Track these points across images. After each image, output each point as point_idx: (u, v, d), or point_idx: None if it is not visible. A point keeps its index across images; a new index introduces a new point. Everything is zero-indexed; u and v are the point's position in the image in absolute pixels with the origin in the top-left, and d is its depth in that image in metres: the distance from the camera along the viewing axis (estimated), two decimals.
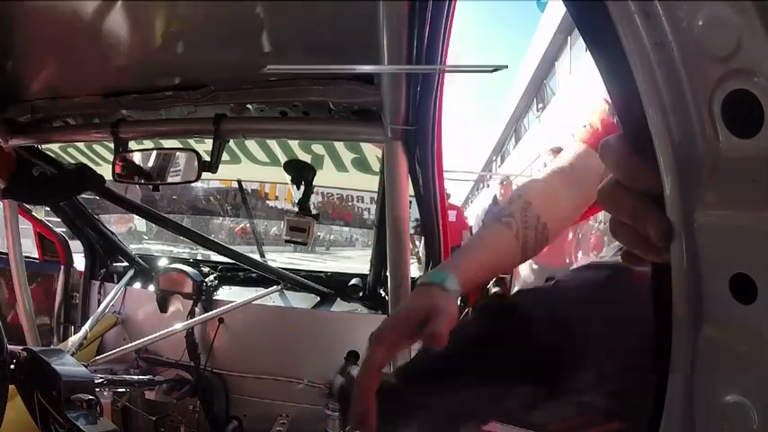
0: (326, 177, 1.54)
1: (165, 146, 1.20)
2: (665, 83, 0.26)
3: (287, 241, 1.10)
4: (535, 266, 2.11)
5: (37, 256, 1.76)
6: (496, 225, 0.59)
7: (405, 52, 0.66)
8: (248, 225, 2.07)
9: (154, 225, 1.63)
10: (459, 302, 1.27)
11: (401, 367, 0.52)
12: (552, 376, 0.45)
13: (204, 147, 1.02)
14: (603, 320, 0.46)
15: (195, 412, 1.44)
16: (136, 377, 1.39)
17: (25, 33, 0.85)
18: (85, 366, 0.78)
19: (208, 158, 0.98)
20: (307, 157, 1.47)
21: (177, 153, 1.05)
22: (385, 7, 0.59)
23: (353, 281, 1.48)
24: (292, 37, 0.81)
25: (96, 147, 1.69)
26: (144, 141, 1.21)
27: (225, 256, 1.45)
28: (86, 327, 1.45)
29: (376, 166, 1.42)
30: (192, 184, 1.21)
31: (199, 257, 1.77)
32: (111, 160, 1.06)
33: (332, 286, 1.50)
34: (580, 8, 0.30)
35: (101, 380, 1.11)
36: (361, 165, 1.46)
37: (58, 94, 1.07)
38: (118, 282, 1.63)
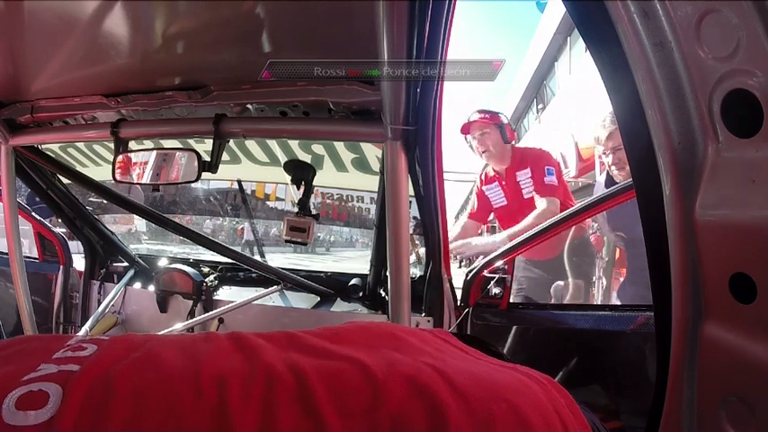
0: (326, 177, 1.54)
1: (165, 146, 1.20)
2: (664, 83, 0.26)
3: (287, 241, 1.10)
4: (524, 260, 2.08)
5: (37, 256, 1.76)
6: None
7: (405, 52, 0.66)
8: (248, 225, 2.07)
9: (154, 225, 1.63)
10: (459, 302, 1.27)
11: None
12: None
13: (204, 147, 1.02)
14: None
15: None
16: None
17: (26, 33, 0.85)
18: None
19: (208, 158, 0.98)
20: (307, 157, 1.47)
21: (177, 153, 1.05)
22: (385, 7, 0.59)
23: (353, 281, 1.48)
24: (292, 37, 0.81)
25: (96, 147, 1.69)
26: (144, 141, 1.21)
27: (225, 256, 1.45)
28: (86, 327, 1.45)
29: (376, 166, 1.42)
30: (192, 185, 1.21)
31: (199, 257, 1.77)
32: (111, 160, 1.06)
33: (332, 286, 1.50)
34: (580, 8, 0.30)
35: None
36: (361, 165, 1.46)
37: (58, 94, 1.07)
38: (118, 282, 1.63)
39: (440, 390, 0.27)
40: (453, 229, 2.24)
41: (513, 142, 2.00)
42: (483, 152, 1.99)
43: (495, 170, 2.06)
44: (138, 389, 0.25)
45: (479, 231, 2.30)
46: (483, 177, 2.16)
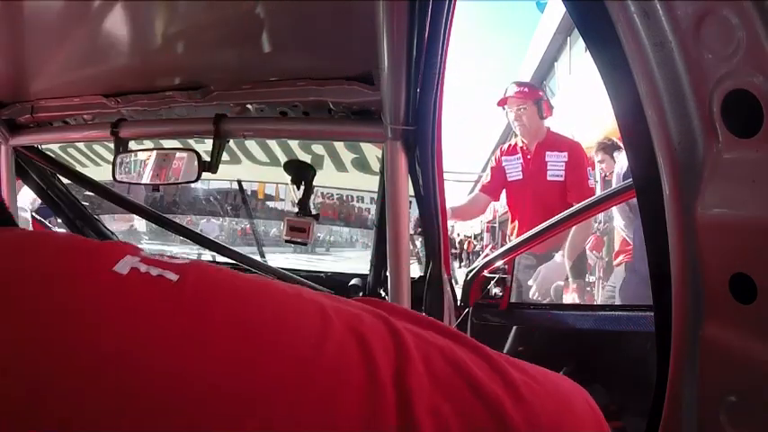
0: (326, 177, 1.54)
1: (165, 146, 1.20)
2: (664, 83, 0.26)
3: (287, 241, 1.10)
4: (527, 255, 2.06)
5: None
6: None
7: (405, 52, 0.66)
8: (248, 226, 2.07)
9: (154, 225, 1.63)
10: (459, 302, 1.27)
11: None
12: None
13: (204, 147, 1.02)
14: None
15: None
16: None
17: (25, 33, 0.85)
18: None
19: (208, 158, 0.98)
20: (307, 157, 1.47)
21: (177, 153, 1.05)
22: (385, 7, 0.59)
23: (353, 281, 1.48)
24: (292, 37, 0.81)
25: (96, 147, 1.69)
26: (144, 141, 1.21)
27: (225, 256, 1.45)
28: None
29: (376, 166, 1.42)
30: (192, 185, 1.21)
31: (199, 258, 1.77)
32: (111, 160, 1.06)
33: (332, 286, 1.50)
34: (580, 9, 0.30)
35: None
36: (361, 165, 1.47)
37: (58, 94, 1.07)
38: None
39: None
40: (466, 199, 2.21)
41: (550, 118, 2.01)
42: (518, 126, 1.97)
43: (524, 142, 2.02)
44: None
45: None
46: (505, 148, 2.12)
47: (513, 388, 0.25)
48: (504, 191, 2.14)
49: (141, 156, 1.07)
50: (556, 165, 1.92)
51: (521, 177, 2.02)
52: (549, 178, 1.92)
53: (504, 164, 2.08)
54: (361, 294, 1.46)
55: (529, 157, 2.00)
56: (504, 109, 2.02)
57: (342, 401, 0.21)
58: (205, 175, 0.99)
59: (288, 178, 1.12)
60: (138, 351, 0.20)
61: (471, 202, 2.17)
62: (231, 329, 0.22)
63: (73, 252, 0.24)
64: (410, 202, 0.99)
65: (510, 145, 2.11)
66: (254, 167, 1.64)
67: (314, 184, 1.12)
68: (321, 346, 0.23)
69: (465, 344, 0.28)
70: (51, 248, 0.24)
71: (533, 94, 1.96)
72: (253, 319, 0.23)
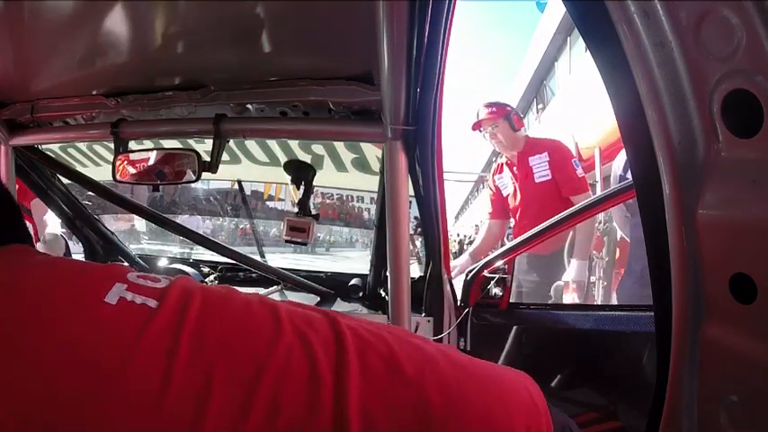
0: (326, 177, 1.54)
1: (165, 146, 1.20)
2: (665, 83, 0.26)
3: (287, 241, 1.10)
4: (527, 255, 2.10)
5: None
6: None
7: (405, 52, 0.66)
8: (248, 226, 2.07)
9: (154, 225, 1.62)
10: (459, 302, 1.27)
11: None
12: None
13: (204, 147, 1.02)
14: None
15: None
16: None
17: (25, 33, 0.85)
18: None
19: (208, 158, 0.98)
20: (307, 157, 1.47)
21: (177, 153, 1.05)
22: (385, 7, 0.59)
23: (353, 281, 1.48)
24: (292, 37, 0.81)
25: (96, 147, 1.69)
26: (144, 141, 1.21)
27: (225, 256, 1.45)
28: None
29: (376, 166, 1.43)
30: (193, 185, 1.21)
31: (199, 257, 1.77)
32: (111, 160, 1.06)
33: (332, 286, 1.50)
34: (580, 8, 0.30)
35: None
36: (361, 165, 1.47)
37: (58, 94, 1.07)
38: None
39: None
40: (479, 235, 2.30)
41: (523, 129, 2.10)
42: (496, 144, 2.08)
43: (507, 157, 2.14)
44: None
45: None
46: (495, 168, 2.24)
47: (443, 381, 0.29)
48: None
49: (141, 156, 1.07)
50: (540, 166, 2.01)
51: (513, 190, 2.13)
52: (537, 181, 2.01)
53: (497, 183, 2.21)
54: (361, 294, 1.46)
55: (515, 169, 2.10)
56: (480, 132, 2.12)
57: (287, 394, 0.26)
58: (205, 175, 0.99)
59: (288, 178, 1.12)
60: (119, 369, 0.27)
61: (486, 235, 2.26)
62: (193, 343, 0.28)
63: (71, 284, 0.31)
64: (410, 202, 0.99)
65: (498, 165, 2.23)
66: (254, 167, 1.64)
67: (314, 184, 1.12)
68: (274, 345, 0.28)
69: (408, 341, 0.32)
70: (53, 282, 0.31)
71: (502, 111, 2.04)
72: (216, 329, 0.29)
